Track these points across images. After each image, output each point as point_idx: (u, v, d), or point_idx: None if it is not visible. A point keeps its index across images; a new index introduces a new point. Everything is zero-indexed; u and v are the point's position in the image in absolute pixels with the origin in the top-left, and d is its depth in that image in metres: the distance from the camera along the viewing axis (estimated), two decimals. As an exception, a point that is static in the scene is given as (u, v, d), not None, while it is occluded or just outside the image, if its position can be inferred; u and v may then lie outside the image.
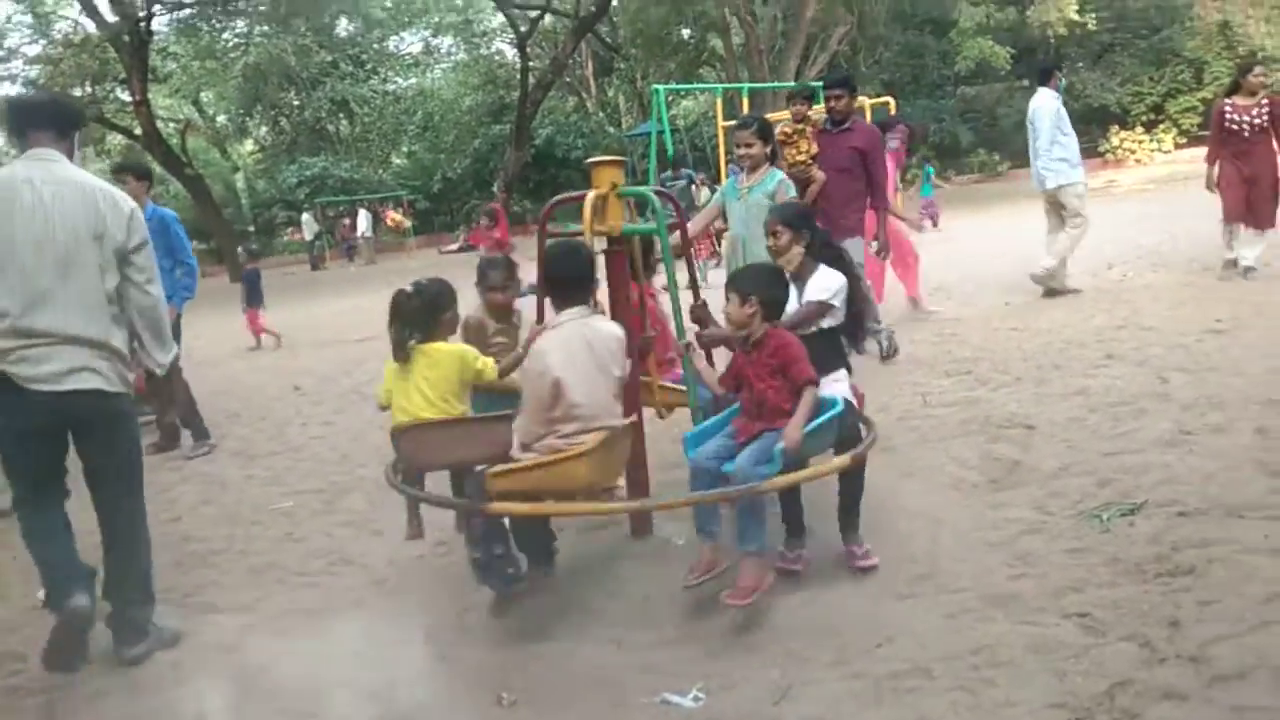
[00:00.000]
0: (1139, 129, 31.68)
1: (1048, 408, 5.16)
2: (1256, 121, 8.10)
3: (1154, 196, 19.21)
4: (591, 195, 3.73)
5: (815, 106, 7.55)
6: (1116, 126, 31.79)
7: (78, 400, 3.19)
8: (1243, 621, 2.79)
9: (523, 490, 3.13)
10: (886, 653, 2.89)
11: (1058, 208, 8.33)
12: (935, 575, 3.34)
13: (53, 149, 3.29)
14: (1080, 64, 33.07)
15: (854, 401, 3.68)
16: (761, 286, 3.40)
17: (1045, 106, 8.18)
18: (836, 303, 3.67)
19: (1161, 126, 31.81)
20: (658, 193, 4.17)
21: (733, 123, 6.08)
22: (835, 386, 3.59)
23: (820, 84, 21.44)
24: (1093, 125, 32.28)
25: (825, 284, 3.69)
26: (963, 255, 12.78)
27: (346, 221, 31.52)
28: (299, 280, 25.46)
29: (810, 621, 3.14)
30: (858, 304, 3.81)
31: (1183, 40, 31.20)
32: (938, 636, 2.94)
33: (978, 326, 7.64)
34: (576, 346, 3.24)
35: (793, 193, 5.16)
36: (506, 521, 3.30)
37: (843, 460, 3.24)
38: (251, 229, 35.82)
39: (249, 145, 42.02)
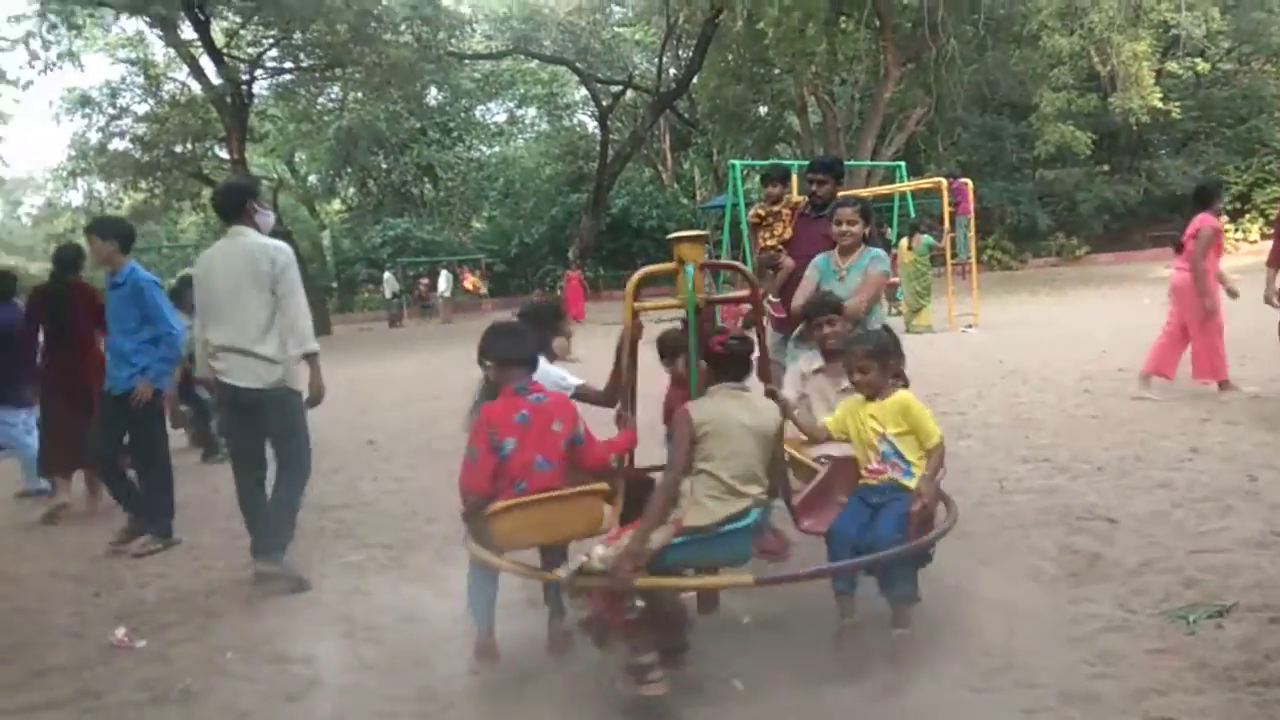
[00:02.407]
0: (1224, 219, 30.92)
1: (1129, 500, 5.00)
2: None
3: (1240, 287, 18.66)
4: (689, 267, 3.72)
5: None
6: (1199, 216, 31.10)
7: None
8: (1342, 739, 2.65)
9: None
10: (959, 747, 2.80)
11: None
12: (1012, 669, 3.23)
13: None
14: (1163, 151, 32.65)
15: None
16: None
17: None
18: None
19: (1248, 216, 31.10)
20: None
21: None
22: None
23: (896, 164, 21.48)
24: (1174, 214, 31.72)
25: None
26: (1040, 340, 12.56)
27: (425, 281, 32.35)
28: (376, 337, 26.10)
29: (878, 709, 3.05)
30: None
31: (1271, 130, 30.66)
32: (1013, 733, 2.84)
33: (1055, 413, 7.48)
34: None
35: (884, 267, 5.05)
36: None
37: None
38: (334, 285, 36.93)
39: (336, 205, 43.52)
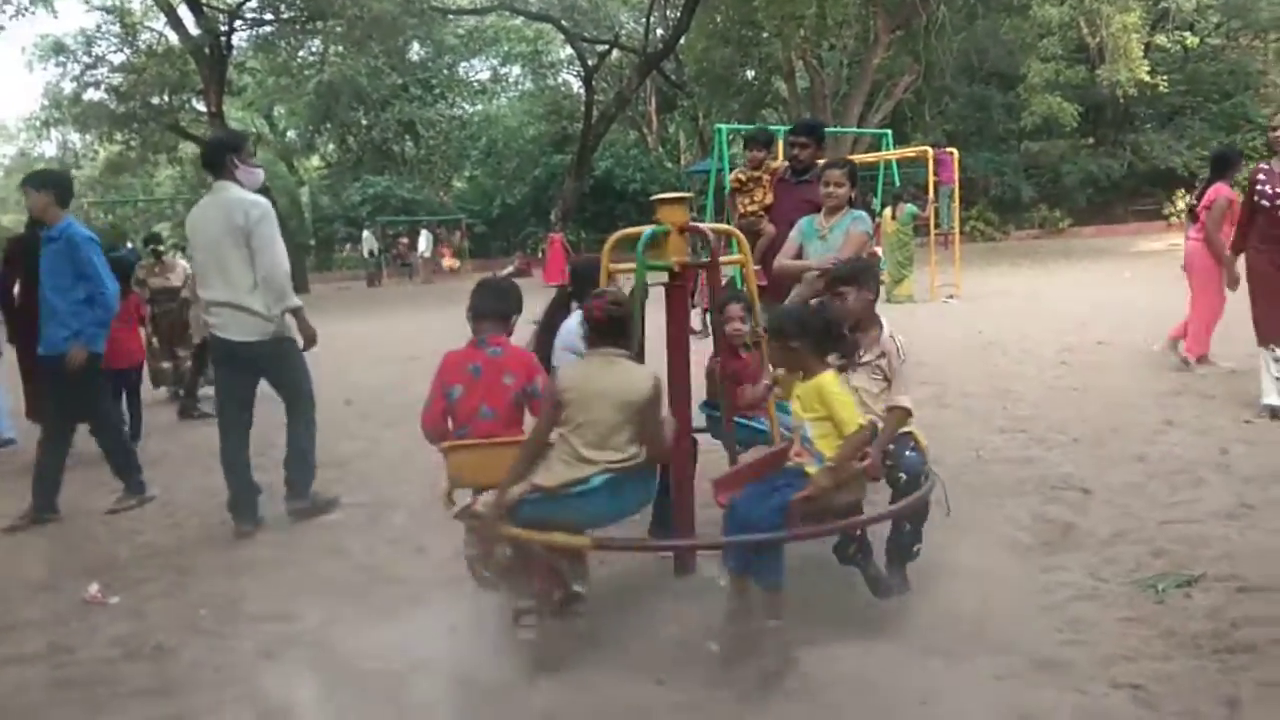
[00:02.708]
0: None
1: (1104, 471, 5.05)
2: None
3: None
4: (647, 231, 3.75)
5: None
6: (1183, 190, 31.26)
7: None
8: (1304, 707, 2.70)
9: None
10: (928, 711, 2.83)
11: None
12: (983, 635, 3.26)
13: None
14: (1149, 125, 32.68)
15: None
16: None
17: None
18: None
19: (1230, 192, 31.25)
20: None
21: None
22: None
23: (880, 132, 21.38)
24: (1158, 188, 31.86)
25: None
26: (1020, 311, 12.62)
27: (405, 241, 32.07)
28: (355, 296, 25.91)
29: (850, 674, 3.07)
30: None
31: (1256, 107, 30.70)
32: (982, 699, 2.87)
33: (1034, 384, 7.52)
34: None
35: (865, 227, 5.01)
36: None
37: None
38: (312, 243, 36.56)
39: (315, 161, 42.95)
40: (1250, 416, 5.96)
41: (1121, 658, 3.06)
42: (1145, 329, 9.20)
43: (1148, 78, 25.95)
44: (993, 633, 3.29)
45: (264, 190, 5.31)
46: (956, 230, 16.97)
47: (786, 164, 5.84)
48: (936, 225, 17.00)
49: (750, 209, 5.72)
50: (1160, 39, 30.08)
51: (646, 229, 3.78)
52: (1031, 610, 3.46)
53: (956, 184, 16.85)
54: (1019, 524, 4.35)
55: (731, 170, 6.05)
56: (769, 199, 5.69)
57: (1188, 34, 30.49)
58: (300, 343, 5.01)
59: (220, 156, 4.95)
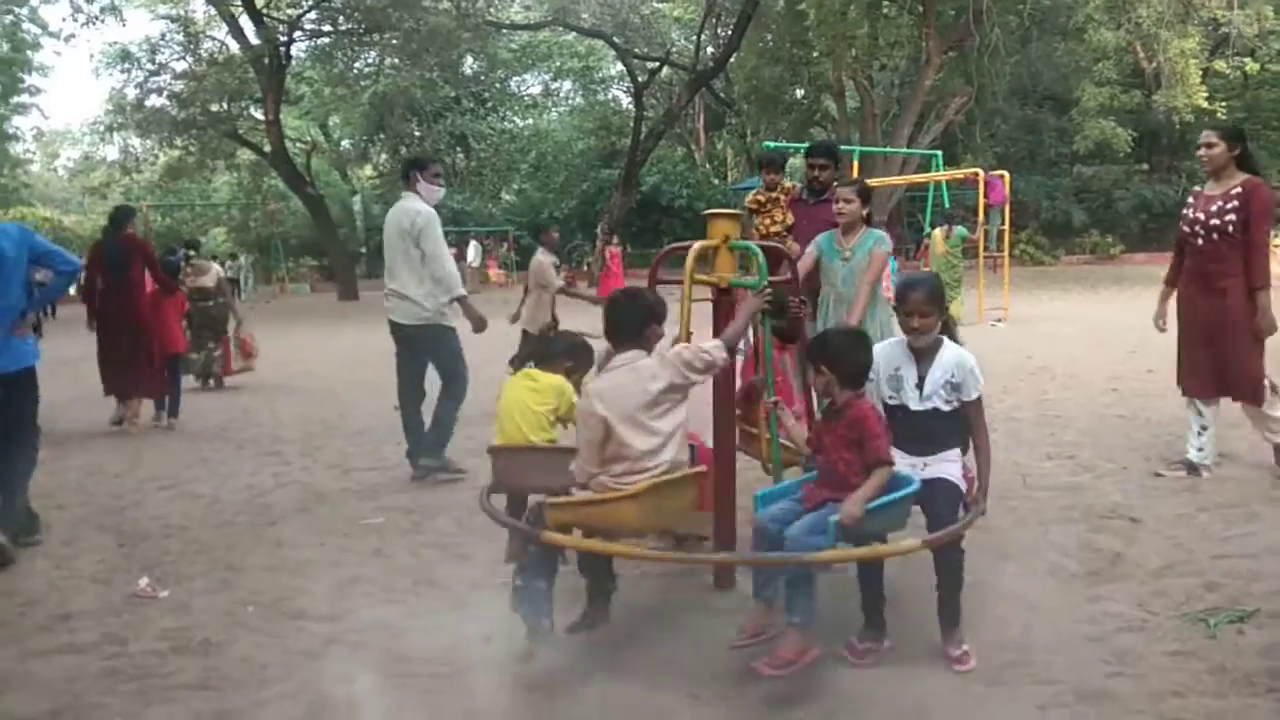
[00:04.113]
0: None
1: (1154, 501, 4.96)
2: (1215, 222, 5.14)
3: (1276, 293, 18.40)
4: (697, 246, 3.77)
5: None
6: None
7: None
8: (1361, 750, 2.63)
9: (575, 524, 3.24)
10: (971, 738, 2.80)
11: None
12: (1027, 664, 3.22)
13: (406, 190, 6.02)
14: (1206, 152, 32.06)
15: (960, 485, 3.41)
16: (839, 354, 3.32)
17: None
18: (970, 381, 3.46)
19: (1290, 222, 30.60)
20: (765, 247, 4.20)
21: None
22: (943, 466, 3.41)
23: (933, 153, 21.27)
24: (1215, 215, 31.19)
25: (958, 360, 3.47)
26: (1069, 337, 12.44)
27: (454, 250, 32.41)
28: (402, 304, 26.15)
29: (891, 699, 3.05)
30: None
31: (1319, 134, 30.07)
32: (1027, 728, 2.83)
33: (1082, 411, 7.41)
34: (627, 387, 3.25)
35: (886, 248, 5.03)
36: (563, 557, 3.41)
37: (911, 544, 3.11)
38: (363, 251, 37.09)
39: (368, 170, 43.63)
40: (1163, 470, 5.50)
41: (1170, 693, 3.00)
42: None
43: (1205, 104, 25.49)
44: (1037, 661, 3.25)
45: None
46: (1006, 253, 16.79)
47: (802, 185, 5.92)
48: (985, 248, 16.82)
49: (773, 229, 5.77)
50: (1219, 64, 29.57)
51: (696, 244, 3.80)
52: (1078, 640, 3.40)
53: (1007, 206, 16.69)
54: (1066, 552, 4.29)
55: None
56: (789, 219, 5.77)
57: (1248, 59, 29.94)
58: (471, 327, 5.90)
59: (408, 171, 6.10)
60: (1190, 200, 5.43)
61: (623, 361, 3.34)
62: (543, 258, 8.37)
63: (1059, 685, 3.07)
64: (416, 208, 5.83)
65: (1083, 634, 3.45)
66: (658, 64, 31.69)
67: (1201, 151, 5.23)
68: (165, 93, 27.78)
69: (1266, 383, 5.22)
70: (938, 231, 14.43)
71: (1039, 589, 3.88)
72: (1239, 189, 5.06)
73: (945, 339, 3.53)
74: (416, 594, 4.10)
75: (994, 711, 2.94)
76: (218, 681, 3.32)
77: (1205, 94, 25.67)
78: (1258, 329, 5.11)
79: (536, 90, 43.98)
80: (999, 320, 14.54)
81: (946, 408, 3.44)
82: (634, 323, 3.39)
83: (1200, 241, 5.23)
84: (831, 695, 3.08)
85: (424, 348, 5.91)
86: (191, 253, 10.81)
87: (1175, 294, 5.60)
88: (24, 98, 39.40)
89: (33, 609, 4.01)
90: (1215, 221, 5.11)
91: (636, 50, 31.23)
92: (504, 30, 33.15)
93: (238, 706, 3.14)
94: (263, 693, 3.22)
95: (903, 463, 3.35)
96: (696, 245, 3.78)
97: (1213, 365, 5.27)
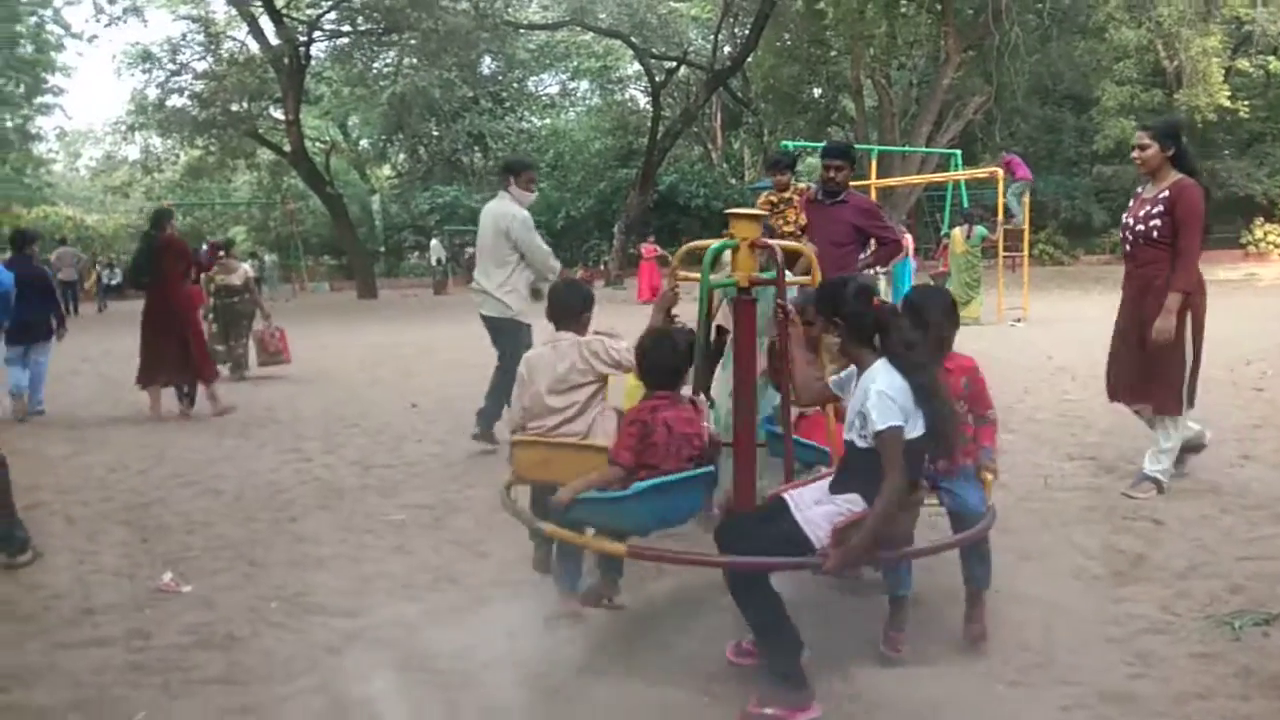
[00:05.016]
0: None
1: (1177, 503, 4.92)
2: (1141, 228, 4.99)
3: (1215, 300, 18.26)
4: (715, 245, 3.76)
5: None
6: (1261, 218, 30.40)
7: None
8: (1389, 754, 2.60)
9: (527, 460, 3.66)
10: (993, 739, 2.79)
11: None
12: (1050, 666, 3.21)
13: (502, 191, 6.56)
14: (1227, 151, 31.81)
15: (804, 531, 2.95)
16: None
17: None
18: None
19: (1312, 223, 30.32)
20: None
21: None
22: (818, 509, 2.99)
23: (952, 152, 21.16)
24: (1236, 216, 30.97)
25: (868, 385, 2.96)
26: (1090, 337, 12.34)
27: (471, 250, 32.52)
28: (421, 303, 26.32)
29: (914, 699, 3.04)
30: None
31: (1341, 134, 29.76)
32: (1049, 729, 2.82)
33: (1104, 411, 7.34)
34: (547, 359, 3.71)
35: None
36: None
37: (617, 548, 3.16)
38: (382, 250, 37.26)
39: (387, 170, 43.82)
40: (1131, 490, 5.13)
41: (1195, 695, 2.98)
42: (1220, 359, 8.94)
43: (1228, 103, 25.27)
44: (1059, 662, 3.23)
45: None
46: (1025, 253, 16.68)
47: (817, 185, 5.87)
48: (1008, 218, 16.38)
49: (787, 230, 5.67)
50: (1242, 63, 29.30)
51: (715, 243, 3.79)
52: (1100, 642, 3.39)
53: (1030, 179, 16.49)
54: (1088, 553, 4.27)
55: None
56: (803, 219, 5.68)
57: (1271, 58, 29.64)
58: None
59: (504, 174, 6.67)
60: (1131, 204, 5.24)
61: (553, 339, 3.79)
62: None
63: (1081, 686, 3.06)
64: (510, 210, 6.32)
65: (1106, 635, 3.43)
66: (675, 63, 31.68)
67: (1135, 153, 5.06)
68: (186, 93, 27.96)
69: (1184, 392, 4.98)
70: (957, 231, 14.39)
71: (1061, 590, 3.86)
72: (1166, 192, 4.89)
73: (882, 363, 2.99)
74: (437, 590, 4.12)
75: (1015, 712, 2.93)
76: (241, 676, 3.34)
77: (1228, 93, 25.45)
78: (1155, 329, 4.84)
79: (554, 90, 44.09)
80: (1019, 320, 14.45)
81: (861, 443, 2.96)
82: (573, 308, 3.84)
83: (1129, 247, 5.11)
84: (847, 697, 3.08)
85: (497, 337, 6.46)
86: (221, 253, 11.32)
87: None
88: (47, 98, 39.81)
89: (58, 603, 4.05)
90: (1141, 227, 4.96)
91: (654, 50, 31.20)
92: (522, 30, 33.23)
93: (260, 701, 3.16)
94: (285, 687, 3.25)
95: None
96: (713, 245, 3.77)
97: (1138, 371, 5.08)
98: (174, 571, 4.35)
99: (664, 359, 3.38)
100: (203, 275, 10.37)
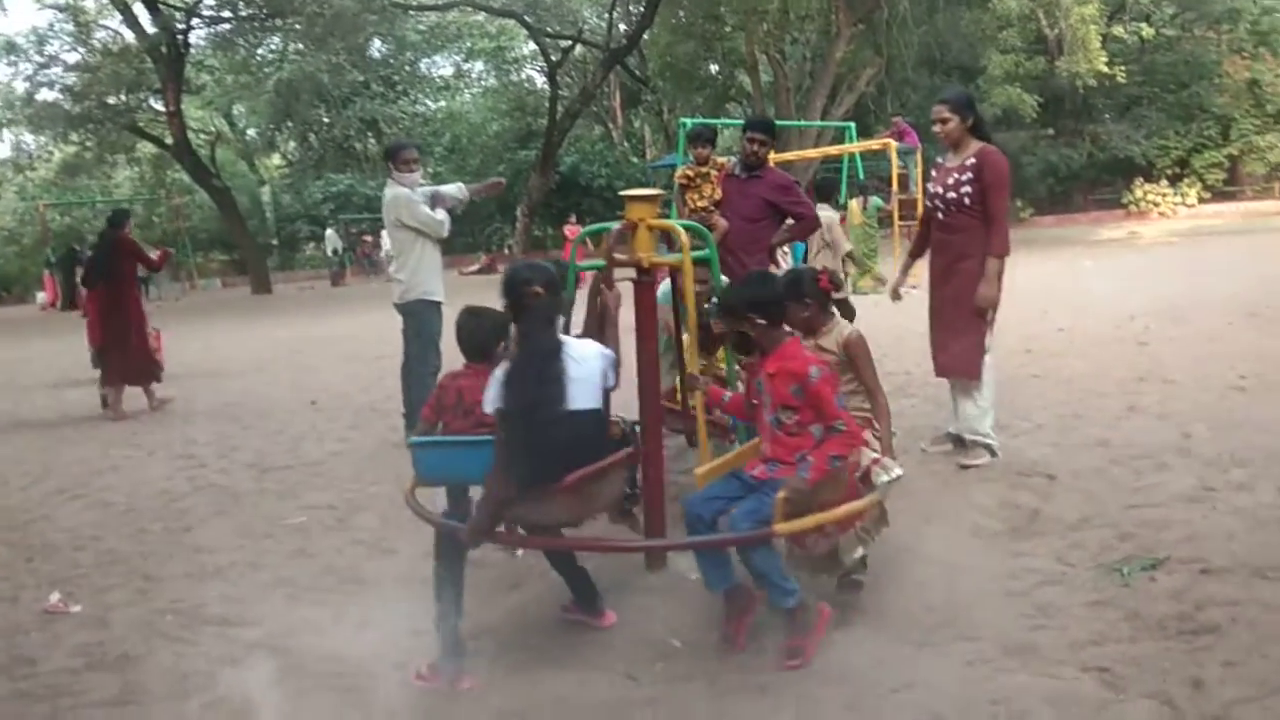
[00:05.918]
0: (1163, 182, 31.75)
1: (1069, 457, 5.11)
2: (952, 195, 5.04)
3: (1177, 250, 19.16)
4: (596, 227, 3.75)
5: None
6: (1141, 179, 31.82)
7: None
8: (1267, 685, 2.74)
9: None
10: (902, 699, 2.84)
11: None
12: (953, 623, 3.29)
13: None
14: (1107, 115, 33.14)
15: None
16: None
17: None
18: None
19: (1186, 181, 31.86)
20: (690, 226, 4.19)
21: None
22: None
23: (848, 124, 21.49)
24: (1117, 177, 32.35)
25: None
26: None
27: (369, 239, 31.81)
28: (318, 295, 25.65)
29: (823, 665, 3.09)
30: None
31: (1211, 96, 31.28)
32: (954, 685, 2.89)
33: (998, 372, 7.57)
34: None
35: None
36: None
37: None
38: (275, 242, 36.13)
39: (276, 160, 42.46)
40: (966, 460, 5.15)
41: (1089, 641, 3.09)
42: (1106, 316, 9.32)
43: (1106, 69, 26.29)
44: (962, 619, 3.32)
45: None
46: (918, 223, 17.05)
47: (736, 160, 5.84)
48: (903, 190, 16.83)
49: (700, 204, 5.66)
50: (1118, 30, 30.52)
51: (613, 225, 3.77)
52: (1000, 596, 3.49)
53: (919, 146, 17.08)
54: (986, 511, 4.39)
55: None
56: (718, 194, 5.66)
57: (1144, 25, 30.96)
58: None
59: (385, 161, 6.71)
60: (933, 173, 5.32)
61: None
62: (830, 213, 8.47)
63: (984, 641, 3.15)
64: (395, 195, 6.30)
65: (1005, 590, 3.54)
66: (571, 42, 31.42)
67: (936, 127, 5.13)
68: (57, 86, 26.67)
69: (984, 360, 5.14)
70: (854, 203, 14.61)
71: (962, 549, 3.97)
72: (973, 159, 4.97)
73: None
74: (341, 592, 4.01)
75: (922, 671, 2.99)
76: (136, 696, 3.20)
77: (1105, 59, 26.46)
78: (979, 297, 5.00)
79: (448, 72, 43.25)
80: (913, 287, 14.76)
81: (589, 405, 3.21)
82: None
83: (941, 215, 5.16)
84: (759, 660, 3.12)
85: (408, 321, 6.33)
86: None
87: (926, 268, 5.48)
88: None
89: (-66, 633, 3.82)
90: (952, 195, 5.03)
91: (549, 29, 30.89)
92: (411, 12, 32.47)
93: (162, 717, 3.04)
94: (185, 704, 3.12)
95: None
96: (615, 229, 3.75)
97: (944, 342, 5.21)
98: (61, 591, 4.15)
99: (473, 337, 3.52)
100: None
